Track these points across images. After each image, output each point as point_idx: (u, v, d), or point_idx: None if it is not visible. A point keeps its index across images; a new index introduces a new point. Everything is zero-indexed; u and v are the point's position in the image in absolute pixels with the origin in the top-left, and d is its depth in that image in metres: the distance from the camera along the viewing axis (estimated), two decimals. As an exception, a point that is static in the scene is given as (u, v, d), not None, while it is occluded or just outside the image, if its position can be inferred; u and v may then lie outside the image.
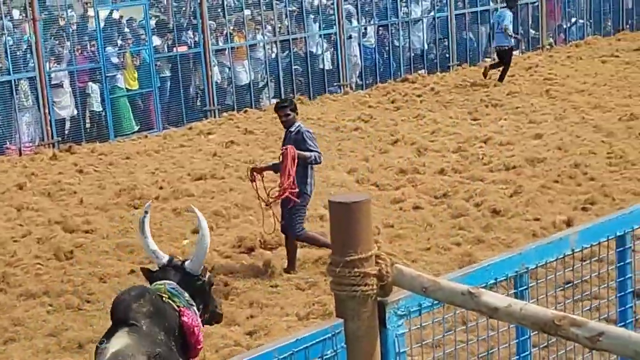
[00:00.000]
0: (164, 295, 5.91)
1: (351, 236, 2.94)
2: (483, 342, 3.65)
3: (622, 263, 3.66)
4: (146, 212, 6.55)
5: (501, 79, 21.36)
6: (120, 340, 5.31)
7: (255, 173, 10.97)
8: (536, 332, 3.41)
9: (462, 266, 10.34)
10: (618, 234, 3.56)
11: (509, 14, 21.41)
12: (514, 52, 21.95)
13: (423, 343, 3.31)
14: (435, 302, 3.09)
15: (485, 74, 21.49)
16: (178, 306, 5.89)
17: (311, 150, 10.45)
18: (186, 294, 6.03)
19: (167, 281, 6.10)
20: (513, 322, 2.89)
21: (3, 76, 17.35)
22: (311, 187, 10.79)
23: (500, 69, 21.40)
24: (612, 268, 3.72)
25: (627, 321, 3.67)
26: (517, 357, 3.48)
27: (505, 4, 22.01)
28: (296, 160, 10.33)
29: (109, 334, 5.44)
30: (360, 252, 2.94)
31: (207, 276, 6.38)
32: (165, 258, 6.34)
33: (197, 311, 6.09)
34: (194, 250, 10.09)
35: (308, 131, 10.68)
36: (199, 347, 5.94)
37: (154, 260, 6.36)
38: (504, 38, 21.08)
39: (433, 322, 3.41)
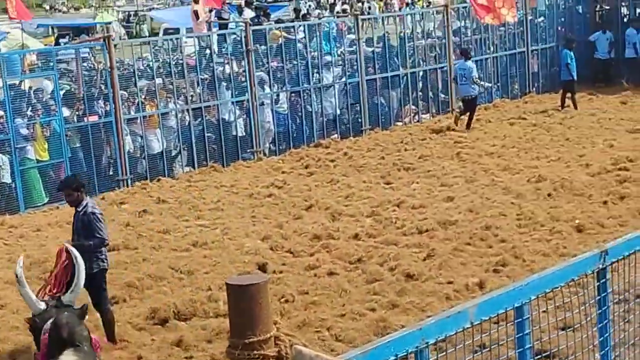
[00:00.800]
0: None
1: (250, 319, 2.95)
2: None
3: (521, 334, 3.72)
4: (20, 266, 7.47)
5: (468, 126, 22.96)
6: (70, 358, 6.23)
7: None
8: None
9: (376, 332, 10.39)
10: (516, 305, 3.62)
11: (473, 66, 23.37)
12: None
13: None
14: (338, 381, 3.11)
15: (456, 122, 23.16)
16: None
17: (95, 236, 10.34)
18: None
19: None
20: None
21: None
22: (107, 261, 10.79)
23: (466, 116, 23.05)
24: (511, 339, 3.79)
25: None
26: None
27: (464, 58, 23.61)
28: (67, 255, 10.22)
29: (54, 354, 6.31)
30: (259, 334, 2.96)
31: (83, 307, 7.08)
32: (42, 304, 7.18)
33: None
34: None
35: (93, 213, 10.45)
36: None
37: (33, 307, 7.16)
38: (470, 88, 23.01)
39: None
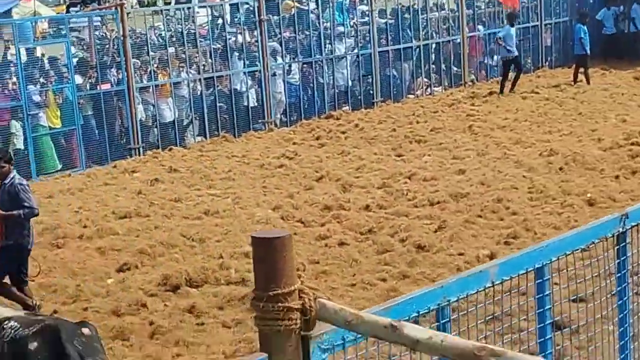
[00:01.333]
0: None
1: (274, 271, 2.96)
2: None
3: (541, 295, 3.73)
4: None
5: (512, 87, 24.27)
6: None
7: None
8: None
9: (387, 301, 10.40)
10: (537, 266, 3.64)
11: (509, 31, 24.37)
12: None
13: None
14: (359, 335, 3.12)
15: (502, 90, 24.21)
16: None
17: (24, 206, 10.34)
18: None
19: None
20: (434, 354, 2.93)
21: None
22: (30, 239, 10.69)
23: (510, 81, 24.36)
24: (531, 299, 3.79)
25: (547, 352, 3.73)
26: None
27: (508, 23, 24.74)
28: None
29: None
30: (283, 286, 2.97)
31: None
32: None
33: None
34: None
35: (21, 184, 10.48)
36: None
37: None
38: (506, 52, 24.18)
39: (357, 356, 3.43)
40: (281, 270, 2.96)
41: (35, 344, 6.49)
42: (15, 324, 6.53)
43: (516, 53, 24.36)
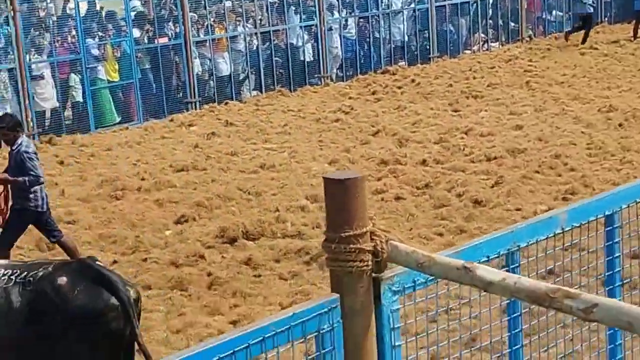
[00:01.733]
0: None
1: (346, 213, 2.97)
2: (476, 318, 3.69)
3: (610, 242, 3.71)
4: None
5: (584, 41, 24.24)
6: None
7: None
8: (527, 309, 3.47)
9: (444, 255, 10.40)
10: (607, 213, 3.61)
11: None
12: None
13: (417, 319, 3.35)
14: (430, 278, 3.14)
15: (566, 38, 24.53)
16: None
17: (30, 174, 10.22)
18: None
19: None
20: (507, 296, 2.93)
21: (-18, 67, 17.28)
22: (38, 202, 10.49)
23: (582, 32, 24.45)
24: (601, 247, 3.77)
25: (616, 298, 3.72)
26: (509, 333, 3.53)
27: None
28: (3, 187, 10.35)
29: None
30: (355, 228, 2.98)
31: None
32: None
33: None
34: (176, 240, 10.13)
35: (26, 152, 10.30)
36: None
37: None
38: (586, 6, 24.62)
39: (427, 298, 3.44)
40: (353, 212, 2.97)
41: (64, 278, 6.38)
42: (13, 270, 6.48)
43: (591, 10, 24.48)
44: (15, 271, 6.49)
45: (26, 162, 10.16)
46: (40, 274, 6.41)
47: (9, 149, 10.46)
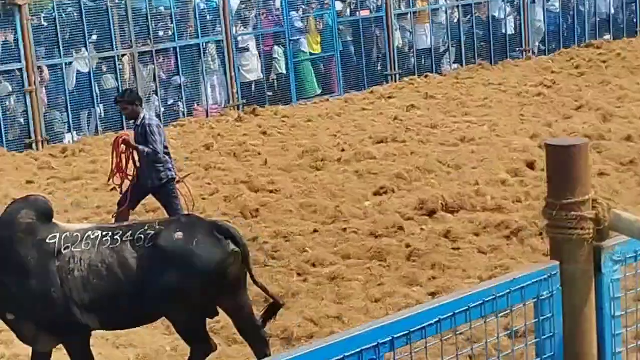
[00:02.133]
0: None
1: (569, 180, 2.94)
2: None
3: None
4: None
5: None
6: None
7: (122, 144, 10.58)
8: None
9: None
10: None
11: None
12: None
13: (638, 290, 3.28)
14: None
15: None
16: None
17: (148, 146, 10.28)
18: None
19: None
20: None
21: (192, 40, 17.84)
22: (170, 171, 10.65)
23: None
24: None
25: None
26: None
27: None
28: (126, 148, 10.42)
29: None
30: (577, 195, 2.94)
31: None
32: None
33: None
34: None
35: (150, 125, 10.40)
36: None
37: None
38: None
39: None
40: (576, 179, 2.93)
41: (180, 232, 6.72)
42: (113, 231, 6.74)
43: None
44: (117, 232, 6.77)
45: (148, 135, 10.45)
46: (151, 232, 6.72)
47: (134, 124, 10.79)
